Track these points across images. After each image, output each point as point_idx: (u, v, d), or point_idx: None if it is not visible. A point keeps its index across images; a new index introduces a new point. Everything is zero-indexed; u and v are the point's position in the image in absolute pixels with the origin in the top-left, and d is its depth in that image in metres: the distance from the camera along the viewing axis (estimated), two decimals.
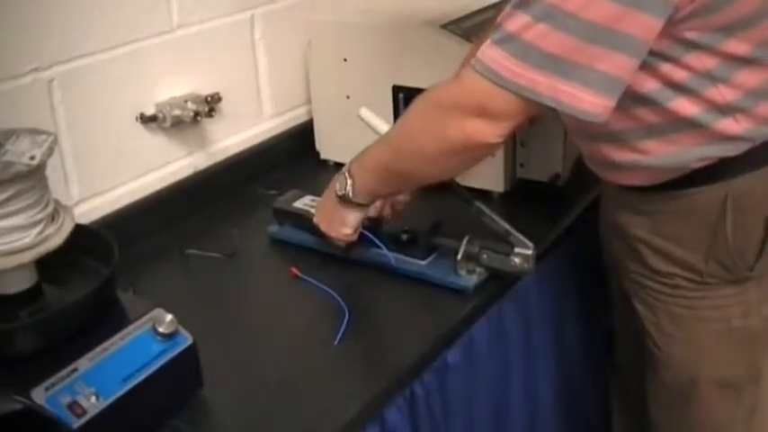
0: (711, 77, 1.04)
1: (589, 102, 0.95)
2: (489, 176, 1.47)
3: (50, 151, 0.95)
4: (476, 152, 1.08)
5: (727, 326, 1.17)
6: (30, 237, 0.95)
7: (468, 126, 1.02)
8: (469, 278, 1.22)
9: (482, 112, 1.01)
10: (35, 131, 0.99)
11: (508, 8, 0.98)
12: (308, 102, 1.73)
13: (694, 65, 1.03)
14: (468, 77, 1.01)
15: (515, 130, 1.04)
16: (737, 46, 1.03)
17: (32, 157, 0.93)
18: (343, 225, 1.23)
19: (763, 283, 1.16)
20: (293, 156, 1.71)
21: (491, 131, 1.02)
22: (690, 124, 1.07)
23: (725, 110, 1.06)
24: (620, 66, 0.95)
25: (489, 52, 0.98)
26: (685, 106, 1.06)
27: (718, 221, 1.11)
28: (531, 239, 1.21)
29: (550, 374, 1.45)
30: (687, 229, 1.15)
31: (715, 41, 1.02)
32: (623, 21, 0.92)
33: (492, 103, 1.00)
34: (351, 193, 1.18)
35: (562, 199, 1.48)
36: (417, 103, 1.11)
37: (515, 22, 0.96)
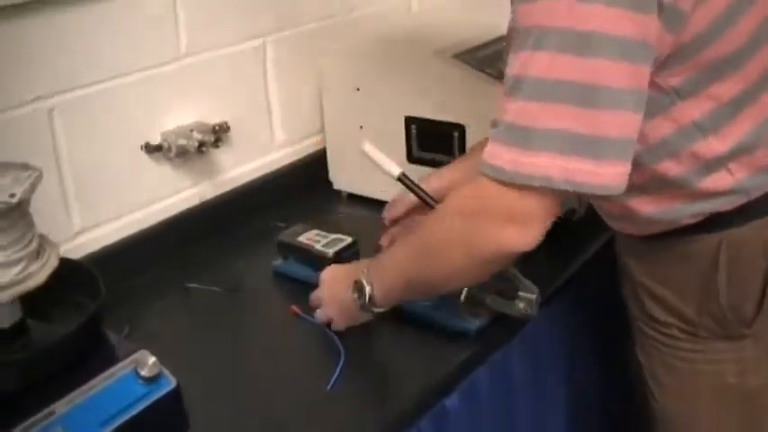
0: (699, 129, 0.98)
1: (603, 174, 0.88)
2: None
3: (32, 188, 0.94)
4: (507, 259, 0.99)
5: (721, 382, 1.11)
6: (9, 276, 0.93)
7: (498, 234, 0.93)
8: (472, 321, 1.17)
9: (508, 217, 0.92)
10: (23, 167, 0.97)
11: (499, 100, 0.91)
12: (322, 130, 1.70)
13: (680, 117, 0.97)
14: (481, 182, 0.93)
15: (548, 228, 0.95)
16: (727, 89, 0.97)
17: (12, 195, 0.91)
18: (354, 322, 1.18)
19: (761, 341, 1.09)
20: (306, 186, 1.67)
21: (523, 239, 0.92)
22: (675, 184, 1.02)
23: (712, 165, 1.01)
24: (626, 125, 0.88)
25: (490, 149, 0.92)
26: (671, 167, 1.01)
27: (711, 272, 1.06)
28: (542, 278, 1.15)
29: (561, 423, 1.39)
30: (681, 276, 1.10)
31: (702, 84, 0.96)
32: (615, 76, 0.85)
33: (512, 204, 0.91)
34: (369, 300, 1.11)
35: (577, 235, 1.42)
36: (439, 214, 1.04)
37: (508, 110, 0.89)
